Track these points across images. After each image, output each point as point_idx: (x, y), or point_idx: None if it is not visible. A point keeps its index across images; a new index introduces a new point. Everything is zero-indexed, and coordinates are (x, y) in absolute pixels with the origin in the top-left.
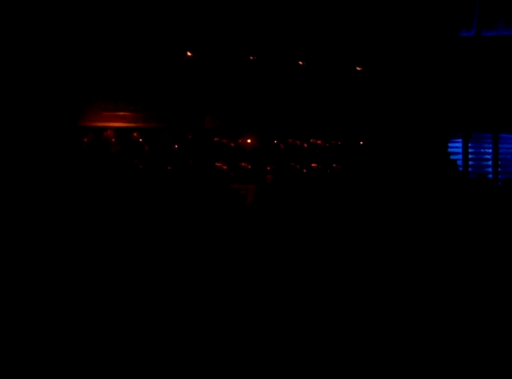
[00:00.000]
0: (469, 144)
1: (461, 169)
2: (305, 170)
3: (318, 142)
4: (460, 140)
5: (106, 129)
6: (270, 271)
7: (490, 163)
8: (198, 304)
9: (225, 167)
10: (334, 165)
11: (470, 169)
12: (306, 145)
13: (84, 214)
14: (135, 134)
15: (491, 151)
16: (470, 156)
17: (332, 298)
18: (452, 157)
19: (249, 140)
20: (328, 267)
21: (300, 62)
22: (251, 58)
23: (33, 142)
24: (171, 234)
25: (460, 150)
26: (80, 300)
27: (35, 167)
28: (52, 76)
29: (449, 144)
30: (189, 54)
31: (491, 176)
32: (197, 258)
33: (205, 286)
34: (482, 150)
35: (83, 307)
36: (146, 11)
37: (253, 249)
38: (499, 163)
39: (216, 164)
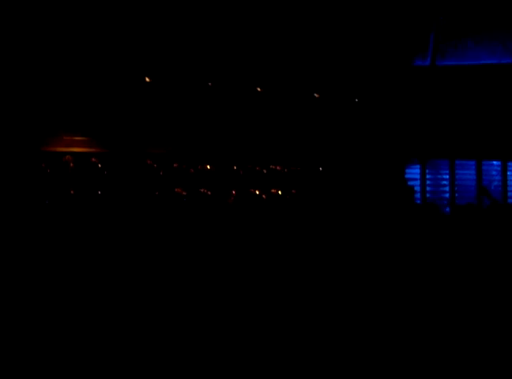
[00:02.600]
0: (427, 171)
1: (418, 195)
2: (264, 196)
3: (278, 168)
4: (417, 166)
5: (65, 153)
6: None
7: (447, 189)
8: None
9: (185, 193)
10: (293, 191)
11: (428, 195)
12: (265, 171)
13: (45, 235)
14: (93, 159)
15: (448, 177)
16: (428, 182)
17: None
18: (409, 183)
19: (208, 166)
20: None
21: (258, 89)
22: (209, 84)
23: None
24: (128, 257)
25: (417, 176)
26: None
27: None
28: (12, 101)
29: (407, 171)
30: (147, 79)
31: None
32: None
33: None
34: (439, 176)
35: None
36: (95, 47)
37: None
38: (456, 189)
39: (176, 190)
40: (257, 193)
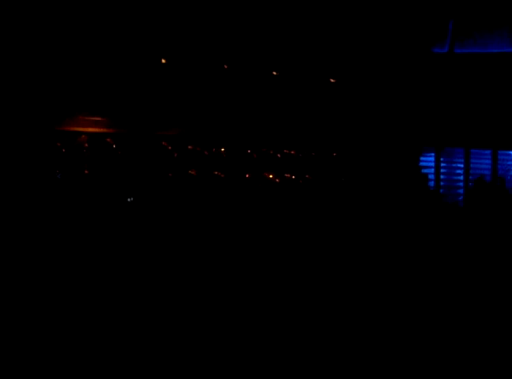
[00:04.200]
0: (441, 159)
1: (432, 183)
2: (278, 180)
3: (292, 152)
4: (432, 154)
5: (80, 133)
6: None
7: (461, 177)
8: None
9: (198, 175)
10: (307, 176)
11: (442, 183)
12: (279, 155)
13: (57, 216)
14: (108, 140)
15: (462, 165)
16: (442, 170)
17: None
18: (424, 171)
19: (222, 149)
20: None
21: (274, 73)
22: (225, 66)
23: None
24: (141, 239)
25: (432, 164)
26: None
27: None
28: (30, 82)
29: (422, 158)
30: (163, 61)
31: (461, 191)
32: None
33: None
34: (454, 165)
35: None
36: (111, 26)
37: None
38: (470, 177)
39: (190, 172)
40: (271, 177)
